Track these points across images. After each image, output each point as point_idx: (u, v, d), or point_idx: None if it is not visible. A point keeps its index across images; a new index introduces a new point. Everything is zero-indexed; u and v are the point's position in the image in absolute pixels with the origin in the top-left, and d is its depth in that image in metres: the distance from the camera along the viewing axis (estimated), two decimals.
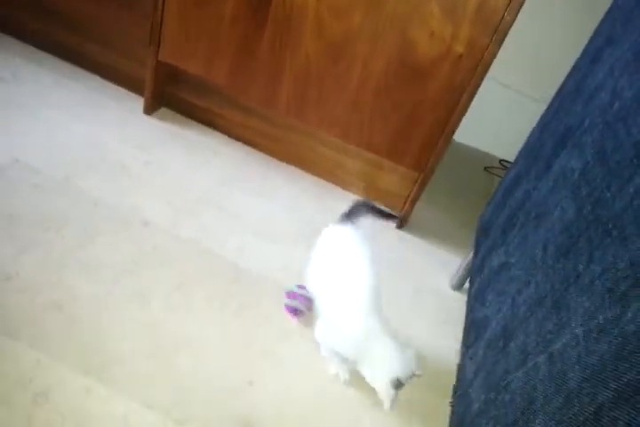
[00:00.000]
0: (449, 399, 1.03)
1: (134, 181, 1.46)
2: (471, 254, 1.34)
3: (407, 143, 1.46)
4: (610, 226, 0.68)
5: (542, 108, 1.31)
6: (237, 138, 1.72)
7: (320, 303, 1.13)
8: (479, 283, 1.13)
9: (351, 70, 1.40)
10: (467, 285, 1.41)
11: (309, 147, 1.66)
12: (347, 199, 1.64)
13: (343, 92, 1.44)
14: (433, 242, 1.61)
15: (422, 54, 1.32)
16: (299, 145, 1.67)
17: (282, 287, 1.26)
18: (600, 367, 0.58)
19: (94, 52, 1.72)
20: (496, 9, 1.22)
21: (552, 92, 1.28)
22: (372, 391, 1.08)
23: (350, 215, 1.21)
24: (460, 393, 0.96)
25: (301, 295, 1.22)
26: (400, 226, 1.61)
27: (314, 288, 1.15)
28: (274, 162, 1.70)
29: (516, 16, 1.22)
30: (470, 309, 1.12)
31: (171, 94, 1.72)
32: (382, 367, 1.03)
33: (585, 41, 1.21)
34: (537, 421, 0.65)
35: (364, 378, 1.08)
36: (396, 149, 1.48)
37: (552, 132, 1.11)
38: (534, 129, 1.30)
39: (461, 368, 1.02)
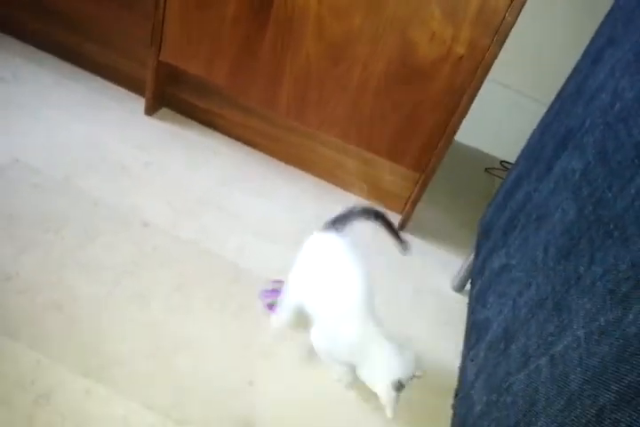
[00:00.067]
0: (450, 401, 1.02)
1: (134, 182, 1.46)
2: (472, 256, 1.34)
3: (407, 144, 1.46)
4: (611, 227, 0.68)
5: (544, 109, 1.31)
6: (237, 138, 1.72)
7: (312, 311, 1.12)
8: (480, 284, 1.13)
9: (351, 71, 1.40)
10: (468, 286, 1.41)
11: (310, 147, 1.66)
12: (347, 200, 1.64)
13: (343, 93, 1.44)
14: (433, 243, 1.61)
15: (423, 55, 1.31)
16: (299, 145, 1.67)
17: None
18: (601, 369, 0.58)
19: (94, 52, 1.72)
20: (497, 10, 1.21)
21: (554, 92, 1.28)
22: (372, 392, 1.08)
23: (336, 222, 1.17)
24: (462, 395, 0.95)
25: (278, 290, 1.21)
26: (401, 227, 1.61)
27: (303, 296, 1.13)
28: (274, 162, 1.70)
29: (518, 17, 1.22)
30: (471, 310, 1.12)
31: (171, 95, 1.72)
32: (382, 370, 1.02)
33: (586, 41, 1.20)
34: (539, 423, 0.65)
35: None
36: (396, 150, 1.48)
37: (553, 134, 1.11)
38: (535, 130, 1.30)
39: (463, 370, 1.01)
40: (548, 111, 1.27)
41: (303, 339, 1.15)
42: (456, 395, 1.00)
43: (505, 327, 0.87)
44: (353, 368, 1.09)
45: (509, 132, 1.85)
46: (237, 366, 1.12)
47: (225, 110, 1.69)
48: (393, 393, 1.00)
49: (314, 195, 1.62)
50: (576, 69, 1.20)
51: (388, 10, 1.28)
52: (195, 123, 1.73)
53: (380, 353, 1.03)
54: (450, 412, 1.02)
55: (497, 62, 1.29)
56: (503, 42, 1.25)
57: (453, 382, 1.05)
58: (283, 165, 1.70)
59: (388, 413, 1.00)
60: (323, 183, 1.68)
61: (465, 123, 1.39)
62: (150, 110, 1.70)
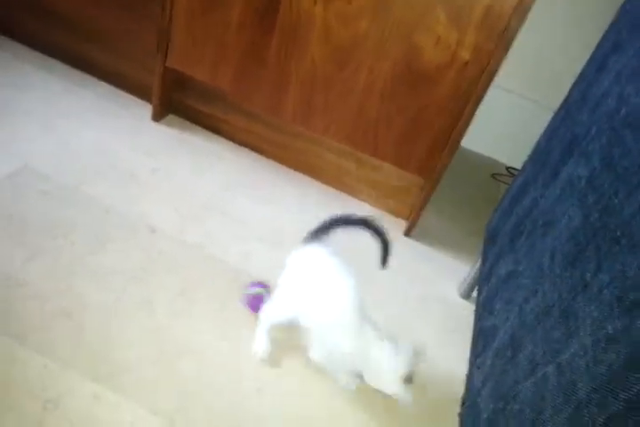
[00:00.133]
0: (457, 409, 1.02)
1: (142, 188, 1.47)
2: (479, 262, 1.34)
3: (413, 149, 1.46)
4: (618, 233, 0.67)
5: (550, 114, 1.31)
6: (242, 144, 1.73)
7: (306, 327, 1.11)
8: (487, 291, 1.12)
9: (357, 76, 1.40)
10: (475, 293, 1.41)
11: (315, 153, 1.66)
12: (352, 206, 1.64)
13: (349, 98, 1.44)
14: (440, 249, 1.60)
15: (428, 60, 1.32)
16: (304, 151, 1.67)
17: None
18: (609, 377, 0.57)
19: (103, 59, 1.74)
20: (501, 15, 1.22)
21: (559, 98, 1.27)
22: (379, 400, 1.08)
23: (317, 233, 1.15)
24: (469, 403, 0.95)
25: (260, 294, 1.21)
26: (407, 233, 1.61)
27: (296, 311, 1.12)
28: (279, 168, 1.70)
29: (522, 22, 1.22)
30: (478, 317, 1.12)
31: (178, 101, 1.73)
32: (389, 370, 1.03)
33: (589, 46, 1.20)
34: None
35: (370, 386, 1.07)
36: (401, 155, 1.48)
37: (559, 140, 1.11)
38: (542, 136, 1.30)
39: (469, 378, 1.01)
40: (555, 117, 1.27)
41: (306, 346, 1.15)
42: (463, 403, 0.99)
43: (512, 334, 0.87)
44: (357, 372, 1.09)
45: (516, 138, 1.85)
46: (241, 372, 1.12)
47: (230, 116, 1.70)
48: (405, 387, 1.01)
49: (319, 200, 1.63)
50: (581, 76, 1.20)
51: (393, 14, 1.29)
52: (201, 129, 1.74)
53: (382, 355, 1.03)
54: (457, 420, 1.01)
55: (501, 68, 1.29)
56: (508, 47, 1.25)
57: (460, 389, 1.04)
58: (288, 170, 1.70)
59: (405, 404, 1.02)
60: (328, 189, 1.68)
61: (471, 128, 1.39)
62: (157, 116, 1.71)
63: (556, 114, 1.26)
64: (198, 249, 1.35)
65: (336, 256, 1.12)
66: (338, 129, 1.51)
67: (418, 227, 1.60)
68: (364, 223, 1.15)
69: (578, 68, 1.22)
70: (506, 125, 1.97)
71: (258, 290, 1.22)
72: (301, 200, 1.61)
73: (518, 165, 1.42)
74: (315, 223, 1.15)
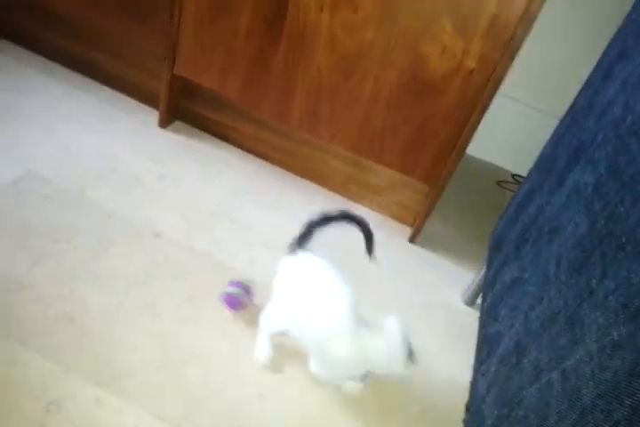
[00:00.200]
0: (461, 416, 1.02)
1: (148, 194, 1.47)
2: (483, 269, 1.34)
3: (419, 157, 1.46)
4: (623, 240, 0.67)
5: (555, 122, 1.31)
6: (250, 151, 1.74)
7: (302, 339, 1.10)
8: (491, 298, 1.12)
9: (363, 85, 1.41)
10: (479, 300, 1.40)
11: (322, 160, 1.67)
12: (358, 213, 1.64)
13: (355, 106, 1.45)
14: (444, 256, 1.60)
15: (434, 69, 1.32)
16: (312, 158, 1.68)
17: None
18: (614, 384, 0.57)
19: (106, 63, 1.75)
20: (507, 24, 1.22)
21: (564, 105, 1.28)
22: (381, 406, 1.07)
23: (302, 239, 1.14)
24: (473, 410, 0.95)
25: (239, 293, 1.21)
26: (411, 239, 1.61)
27: (290, 322, 1.11)
28: (287, 175, 1.71)
29: (528, 31, 1.23)
30: (483, 324, 1.11)
31: (185, 108, 1.74)
32: (391, 358, 1.03)
33: (596, 54, 1.21)
34: None
35: (373, 391, 1.07)
36: (407, 163, 1.49)
37: (565, 147, 1.11)
38: (547, 143, 1.30)
39: (474, 384, 1.00)
40: (560, 124, 1.27)
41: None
42: (467, 409, 0.99)
43: (517, 341, 0.87)
44: (360, 377, 1.09)
45: (521, 145, 1.85)
46: (247, 379, 1.12)
47: (238, 123, 1.71)
48: (410, 363, 1.03)
49: (325, 207, 1.61)
50: (587, 83, 1.21)
51: (399, 24, 1.30)
52: (208, 135, 1.75)
53: (381, 347, 1.03)
54: (461, 426, 1.01)
55: (506, 76, 1.30)
56: (514, 56, 1.26)
57: (464, 396, 1.04)
58: (295, 177, 1.71)
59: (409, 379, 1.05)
60: (334, 196, 1.69)
61: (477, 136, 1.40)
62: (164, 123, 1.72)
63: (562, 121, 1.26)
64: (206, 256, 1.35)
65: (327, 262, 1.11)
66: (344, 137, 1.51)
67: (423, 233, 1.60)
68: (344, 217, 1.15)
69: (583, 76, 1.23)
70: (511, 133, 1.98)
71: (235, 290, 1.21)
72: (308, 207, 1.61)
73: (524, 173, 1.42)
74: (320, 230, 1.15)
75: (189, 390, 1.06)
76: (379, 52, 1.35)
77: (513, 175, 2.03)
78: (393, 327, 1.04)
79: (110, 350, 1.09)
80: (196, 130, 1.76)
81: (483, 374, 0.96)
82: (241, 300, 1.21)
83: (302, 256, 1.13)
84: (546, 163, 1.23)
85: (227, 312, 1.22)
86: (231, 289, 1.22)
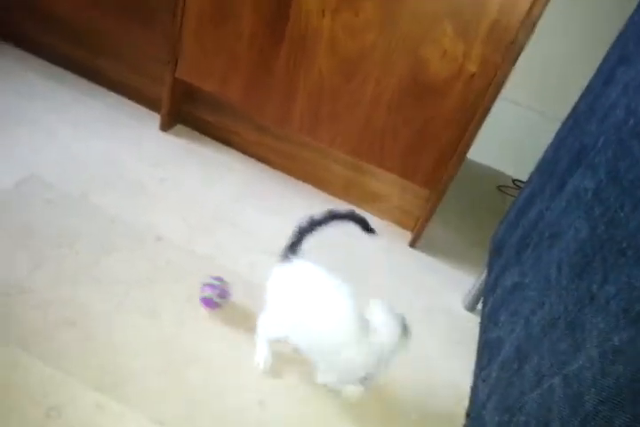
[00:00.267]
0: (462, 422, 1.01)
1: (150, 198, 1.48)
2: (484, 274, 1.34)
3: (419, 161, 1.46)
4: (624, 246, 0.67)
5: (556, 126, 1.31)
6: (252, 155, 1.74)
7: (305, 351, 1.10)
8: (492, 303, 1.12)
9: (364, 88, 1.41)
10: (480, 305, 1.40)
11: (323, 165, 1.67)
12: None
13: (356, 109, 1.45)
14: (445, 261, 1.60)
15: (435, 73, 1.33)
16: (313, 163, 1.68)
17: None
18: (616, 390, 0.57)
19: (111, 69, 1.76)
20: (508, 28, 1.23)
21: (565, 109, 1.28)
22: (381, 411, 1.07)
23: (291, 248, 1.13)
24: (474, 415, 0.94)
25: (217, 286, 1.21)
26: (412, 244, 1.61)
27: (289, 332, 1.10)
28: (288, 179, 1.71)
29: (529, 35, 1.23)
30: (483, 329, 1.11)
31: (186, 112, 1.74)
32: (390, 334, 1.04)
33: (597, 58, 1.21)
34: None
35: (373, 397, 1.07)
36: (408, 167, 1.49)
37: (567, 150, 1.11)
38: (549, 146, 1.30)
39: (474, 390, 1.00)
40: (562, 127, 1.27)
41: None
42: (467, 415, 0.99)
43: (517, 346, 0.86)
44: (360, 380, 1.09)
45: (522, 150, 1.85)
46: (247, 384, 1.12)
47: (239, 127, 1.71)
48: (405, 339, 1.07)
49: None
50: (589, 88, 1.21)
51: (400, 28, 1.30)
52: (209, 139, 1.75)
53: (384, 338, 1.04)
54: None
55: (508, 80, 1.30)
56: (515, 60, 1.26)
57: (464, 401, 1.04)
58: (296, 182, 1.71)
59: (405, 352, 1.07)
60: (335, 200, 1.69)
61: (478, 140, 1.40)
62: (165, 126, 1.72)
63: (564, 124, 1.26)
64: (208, 260, 1.35)
65: (321, 268, 1.10)
66: (344, 140, 1.52)
67: (423, 238, 1.60)
68: (331, 218, 1.14)
69: (584, 80, 1.23)
70: (512, 138, 1.98)
71: (209, 295, 1.21)
72: (309, 211, 1.60)
73: (524, 178, 1.42)
74: (321, 234, 1.14)
75: (190, 396, 1.06)
76: (380, 55, 1.35)
77: (513, 180, 2.03)
78: (379, 312, 1.04)
79: (111, 355, 1.09)
80: (197, 133, 1.76)
81: (483, 380, 0.96)
82: (217, 300, 1.21)
83: (296, 264, 1.11)
84: (547, 166, 1.23)
85: (228, 315, 1.22)
86: (206, 292, 1.21)
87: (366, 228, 1.17)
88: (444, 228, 1.71)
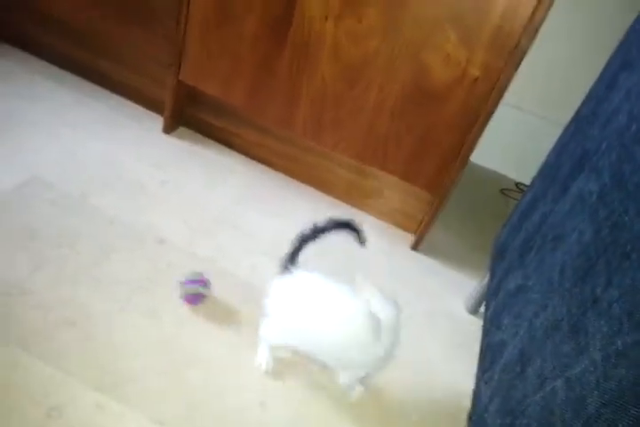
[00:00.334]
0: (463, 425, 1.01)
1: (150, 200, 1.48)
2: (487, 278, 1.33)
3: (422, 166, 1.46)
4: (628, 249, 0.67)
5: (559, 130, 1.31)
6: (254, 157, 1.74)
7: (320, 359, 1.09)
8: (495, 306, 1.12)
9: (367, 94, 1.42)
10: (482, 309, 1.40)
11: (326, 167, 1.67)
12: (361, 220, 1.64)
13: (359, 114, 1.45)
14: (447, 264, 1.60)
15: (438, 78, 1.33)
16: (315, 165, 1.68)
17: None
18: (619, 393, 0.57)
19: (113, 70, 1.76)
20: (511, 34, 1.23)
21: (568, 113, 1.28)
22: (382, 412, 1.07)
23: (291, 259, 1.11)
24: (475, 418, 0.94)
25: (197, 280, 1.21)
26: (414, 247, 1.61)
27: (298, 342, 1.09)
28: (290, 182, 1.71)
29: (532, 41, 1.23)
30: (486, 332, 1.11)
31: (189, 114, 1.75)
32: (391, 316, 1.04)
33: (599, 64, 1.21)
34: None
35: (373, 398, 1.07)
36: (410, 171, 1.49)
37: (570, 155, 1.11)
38: (551, 151, 1.30)
39: (476, 393, 1.00)
40: (564, 132, 1.27)
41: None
42: (469, 418, 0.98)
43: (521, 349, 0.86)
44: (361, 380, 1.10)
45: (525, 153, 1.85)
46: (248, 385, 1.12)
47: (242, 130, 1.71)
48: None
49: (327, 215, 1.62)
50: (590, 94, 1.21)
51: (403, 34, 1.30)
52: (212, 142, 1.76)
53: (390, 317, 1.05)
54: None
55: (514, 84, 1.30)
56: (518, 64, 1.27)
57: (467, 404, 1.03)
58: (299, 184, 1.71)
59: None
60: (338, 203, 1.69)
61: (480, 144, 1.40)
62: (168, 129, 1.73)
63: (566, 129, 1.26)
64: (209, 262, 1.35)
65: (324, 277, 1.09)
66: (347, 145, 1.52)
67: (425, 241, 1.60)
68: (330, 228, 1.12)
69: (587, 85, 1.23)
70: (515, 141, 1.98)
71: (193, 289, 1.21)
72: (312, 214, 1.61)
73: (527, 181, 1.42)
74: (325, 238, 1.14)
75: (190, 396, 1.06)
76: (383, 61, 1.36)
77: (516, 183, 2.03)
78: (372, 295, 1.04)
79: (111, 356, 1.08)
80: (200, 136, 1.76)
81: (486, 383, 0.96)
82: (202, 291, 1.21)
83: (298, 274, 1.10)
84: (550, 171, 1.23)
85: (229, 317, 1.23)
86: (190, 287, 1.21)
87: (360, 239, 1.16)
88: (447, 231, 1.71)
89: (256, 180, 1.67)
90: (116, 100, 1.78)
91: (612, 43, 1.18)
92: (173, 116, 1.71)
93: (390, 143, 1.46)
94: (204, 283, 1.23)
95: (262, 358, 1.14)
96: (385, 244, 1.59)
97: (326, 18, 1.35)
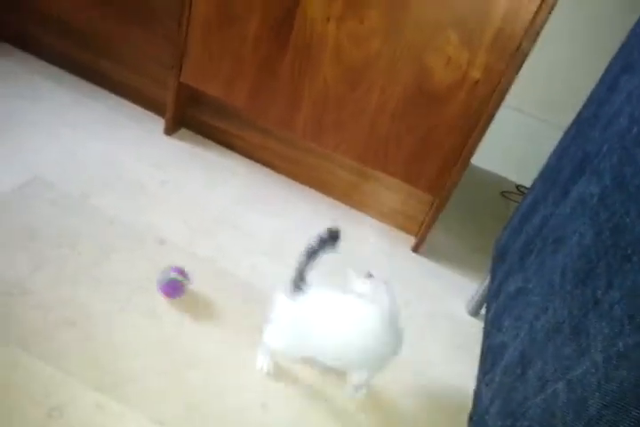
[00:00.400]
0: (464, 426, 1.01)
1: (150, 200, 1.48)
2: (487, 280, 1.33)
3: (423, 168, 1.47)
4: (629, 251, 0.67)
5: (560, 133, 1.31)
6: (255, 159, 1.74)
7: (341, 365, 1.10)
8: (495, 308, 1.12)
9: (369, 96, 1.42)
10: (483, 311, 1.40)
11: (327, 169, 1.67)
12: (362, 222, 1.65)
13: (360, 116, 1.45)
14: (448, 266, 1.60)
15: (439, 80, 1.33)
16: (316, 167, 1.68)
17: None
18: (620, 395, 0.57)
19: (113, 71, 1.76)
20: (513, 36, 1.23)
21: (569, 116, 1.28)
22: (382, 415, 1.07)
23: (300, 279, 1.05)
24: (476, 420, 0.94)
25: (175, 268, 1.21)
26: (415, 249, 1.61)
27: (309, 353, 1.09)
28: (291, 183, 1.71)
29: (534, 43, 1.23)
30: (487, 334, 1.11)
31: (191, 116, 1.75)
32: (391, 304, 1.06)
33: (600, 67, 1.21)
34: None
35: (374, 401, 1.07)
36: (411, 173, 1.49)
37: (570, 158, 1.12)
38: (552, 154, 1.30)
39: (477, 395, 1.00)
40: (565, 135, 1.27)
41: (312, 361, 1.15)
42: (470, 420, 0.98)
43: (521, 351, 0.86)
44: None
45: (526, 156, 1.85)
46: (249, 385, 1.12)
47: (243, 132, 1.71)
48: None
49: (328, 216, 1.63)
50: (592, 97, 1.21)
51: (405, 36, 1.31)
52: (213, 143, 1.76)
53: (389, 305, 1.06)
54: None
55: (515, 86, 1.30)
56: (519, 67, 1.27)
57: (467, 406, 1.03)
58: (300, 186, 1.71)
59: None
60: (339, 205, 1.69)
61: (481, 146, 1.40)
62: (170, 130, 1.73)
63: (567, 132, 1.27)
64: (209, 262, 1.35)
65: (333, 289, 1.07)
66: (349, 147, 1.52)
67: (426, 243, 1.60)
68: (328, 245, 1.08)
69: (588, 88, 1.23)
70: (516, 144, 1.98)
71: (173, 275, 1.20)
72: (312, 216, 1.61)
73: (528, 184, 1.42)
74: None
75: (190, 396, 1.06)
76: (385, 63, 1.36)
77: (517, 186, 2.03)
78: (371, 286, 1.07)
79: (112, 356, 1.08)
80: (201, 138, 1.76)
81: (487, 385, 0.95)
82: (181, 279, 1.21)
83: (308, 293, 1.05)
84: (550, 174, 1.23)
85: (229, 317, 1.22)
86: (170, 275, 1.20)
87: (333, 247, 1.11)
88: (448, 233, 1.71)
89: (257, 181, 1.68)
90: (116, 100, 1.79)
91: (614, 45, 1.19)
92: (175, 117, 1.71)
93: (391, 145, 1.46)
94: (186, 276, 1.22)
95: (263, 362, 1.14)
96: (385, 245, 1.59)
97: (328, 19, 1.35)
